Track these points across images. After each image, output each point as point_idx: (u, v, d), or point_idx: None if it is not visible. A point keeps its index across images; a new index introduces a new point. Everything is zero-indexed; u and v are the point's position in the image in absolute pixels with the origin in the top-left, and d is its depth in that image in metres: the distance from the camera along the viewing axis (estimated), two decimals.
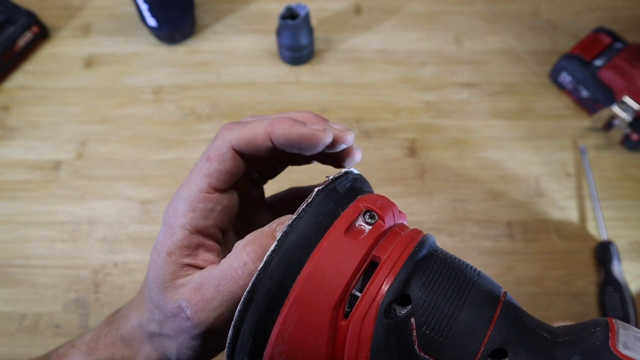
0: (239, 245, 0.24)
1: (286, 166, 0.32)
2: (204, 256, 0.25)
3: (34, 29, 0.67)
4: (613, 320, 0.22)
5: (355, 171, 0.26)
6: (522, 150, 0.61)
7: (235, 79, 0.66)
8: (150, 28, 0.66)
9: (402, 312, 0.21)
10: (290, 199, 0.33)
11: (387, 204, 0.23)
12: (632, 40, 0.63)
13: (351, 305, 0.21)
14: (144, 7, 0.62)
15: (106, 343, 0.28)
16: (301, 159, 0.29)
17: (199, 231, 0.25)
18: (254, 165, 0.27)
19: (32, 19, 0.66)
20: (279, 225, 0.24)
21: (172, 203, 0.25)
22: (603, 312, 0.52)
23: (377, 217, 0.23)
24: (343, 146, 0.26)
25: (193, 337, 0.24)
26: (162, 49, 0.69)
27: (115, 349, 0.28)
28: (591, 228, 0.57)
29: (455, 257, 0.24)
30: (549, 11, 0.72)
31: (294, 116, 0.26)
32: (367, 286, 0.21)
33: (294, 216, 0.22)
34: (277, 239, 0.21)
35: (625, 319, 0.51)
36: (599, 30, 0.64)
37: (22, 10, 0.66)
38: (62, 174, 0.60)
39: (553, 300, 0.53)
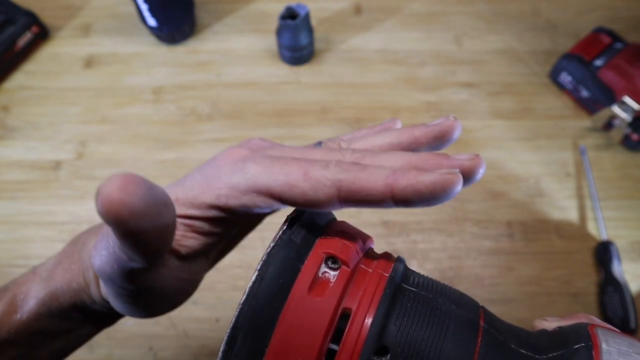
0: None
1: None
2: (189, 238, 0.22)
3: (34, 29, 0.67)
4: (594, 330, 0.21)
5: None
6: (522, 150, 0.61)
7: (235, 79, 0.66)
8: (150, 28, 0.66)
9: None
10: None
11: (349, 244, 0.22)
12: (632, 40, 0.63)
13: (329, 359, 0.20)
14: (144, 7, 0.62)
15: (65, 267, 0.25)
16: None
17: (220, 209, 0.22)
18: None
19: (32, 19, 0.66)
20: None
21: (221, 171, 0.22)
22: (603, 312, 0.52)
23: (340, 263, 0.21)
24: (471, 182, 0.20)
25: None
26: (162, 49, 0.69)
27: (72, 275, 0.25)
28: (591, 228, 0.57)
29: (429, 283, 0.23)
30: (549, 11, 0.72)
31: (409, 157, 0.21)
32: (341, 345, 0.20)
33: (249, 284, 0.20)
34: (236, 315, 0.20)
35: (625, 319, 0.51)
36: (599, 30, 0.64)
37: (22, 10, 0.66)
38: (62, 174, 0.60)
39: (553, 300, 0.53)
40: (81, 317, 0.26)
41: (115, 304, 0.22)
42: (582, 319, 0.23)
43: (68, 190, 0.59)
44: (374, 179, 0.20)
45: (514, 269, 0.55)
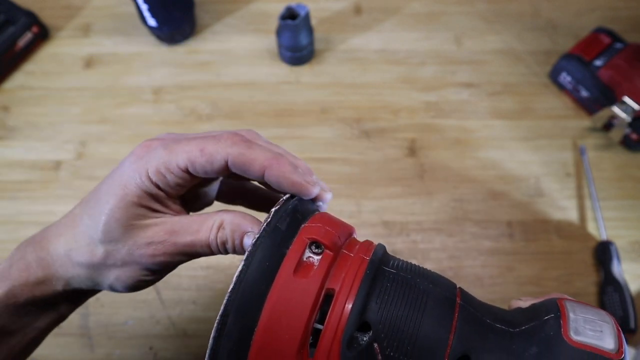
0: (217, 218, 0.26)
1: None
2: (171, 205, 0.27)
3: (34, 29, 0.67)
4: (563, 302, 0.22)
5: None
6: (522, 150, 0.61)
7: (235, 79, 0.66)
8: (150, 28, 0.66)
9: (365, 339, 0.21)
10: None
11: (331, 230, 0.23)
12: (632, 40, 0.63)
13: (315, 338, 0.21)
14: (144, 7, 0.62)
15: (20, 267, 0.28)
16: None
17: (162, 189, 0.26)
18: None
19: (32, 19, 0.66)
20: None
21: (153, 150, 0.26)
22: None
23: (323, 247, 0.23)
24: (321, 205, 0.27)
25: (144, 268, 0.26)
26: (162, 49, 0.69)
27: (29, 272, 0.28)
28: (591, 228, 0.57)
29: (408, 266, 0.24)
30: (549, 11, 0.72)
31: (292, 159, 0.26)
32: (325, 322, 0.21)
33: (238, 269, 0.21)
34: (227, 297, 0.21)
35: (625, 319, 0.51)
36: (599, 30, 0.64)
37: (22, 10, 0.66)
38: (62, 174, 0.60)
39: None
40: (38, 309, 0.28)
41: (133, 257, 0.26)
42: (554, 296, 0.24)
43: (68, 190, 0.59)
44: (255, 157, 0.25)
45: (514, 269, 0.55)
